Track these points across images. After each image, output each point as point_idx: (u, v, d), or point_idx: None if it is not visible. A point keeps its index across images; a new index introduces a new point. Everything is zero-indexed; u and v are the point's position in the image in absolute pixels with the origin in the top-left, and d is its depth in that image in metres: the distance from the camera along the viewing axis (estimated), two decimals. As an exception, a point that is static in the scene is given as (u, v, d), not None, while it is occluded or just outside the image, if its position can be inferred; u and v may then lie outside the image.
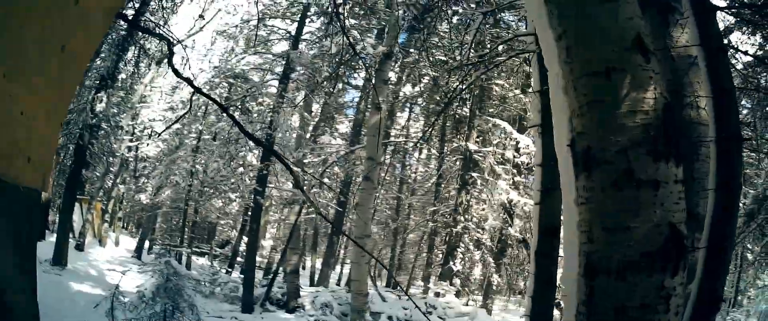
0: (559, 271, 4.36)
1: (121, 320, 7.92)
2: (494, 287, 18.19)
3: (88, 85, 15.17)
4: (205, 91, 18.84)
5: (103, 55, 14.85)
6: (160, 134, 20.42)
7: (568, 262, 1.96)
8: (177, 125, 19.75)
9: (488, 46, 13.14)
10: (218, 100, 16.77)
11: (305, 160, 15.48)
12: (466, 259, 17.19)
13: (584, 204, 1.86)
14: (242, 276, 15.19)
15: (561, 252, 3.64)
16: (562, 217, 3.87)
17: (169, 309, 8.05)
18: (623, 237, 1.76)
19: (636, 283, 1.73)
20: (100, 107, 14.39)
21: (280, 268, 15.45)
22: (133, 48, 15.54)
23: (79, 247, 16.66)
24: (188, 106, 10.27)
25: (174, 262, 8.60)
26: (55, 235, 14.43)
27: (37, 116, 2.14)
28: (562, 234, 3.83)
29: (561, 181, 2.03)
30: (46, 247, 14.13)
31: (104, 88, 14.60)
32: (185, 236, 20.16)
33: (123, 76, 16.38)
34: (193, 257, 20.83)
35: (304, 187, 14.33)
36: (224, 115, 17.69)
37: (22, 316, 2.05)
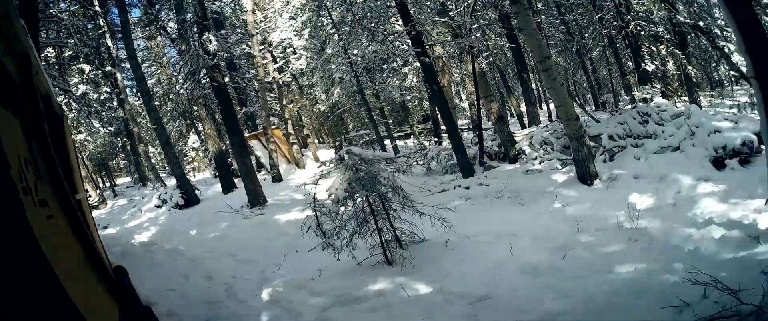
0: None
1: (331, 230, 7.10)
2: (694, 80, 17.21)
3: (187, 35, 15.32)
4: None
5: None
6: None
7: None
8: (308, 28, 19.93)
9: None
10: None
11: (449, 12, 14.05)
12: (655, 56, 16.45)
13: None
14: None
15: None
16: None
17: (374, 200, 7.12)
18: None
19: None
20: (212, 47, 14.15)
21: (485, 120, 14.38)
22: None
23: (276, 179, 16.64)
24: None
25: (356, 150, 7.40)
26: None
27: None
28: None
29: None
30: (238, 195, 14.75)
31: (204, 29, 14.51)
32: (377, 124, 19.92)
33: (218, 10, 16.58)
34: (400, 142, 21.07)
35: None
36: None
37: None
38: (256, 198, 13.47)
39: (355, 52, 18.56)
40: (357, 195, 7.12)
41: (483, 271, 6.37)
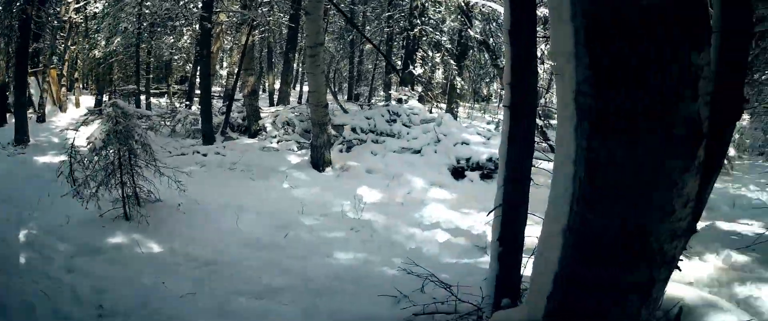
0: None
1: (81, 179, 7.30)
2: (458, 91, 18.17)
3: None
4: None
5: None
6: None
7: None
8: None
9: None
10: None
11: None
12: (427, 62, 17.01)
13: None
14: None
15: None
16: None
17: (124, 154, 7.47)
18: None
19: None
20: (35, -21, 14.08)
21: (238, 93, 15.00)
22: None
23: (41, 119, 16.76)
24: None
25: (121, 103, 7.75)
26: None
27: None
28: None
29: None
30: (8, 130, 14.37)
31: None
32: (141, 79, 20.22)
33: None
34: (154, 99, 20.91)
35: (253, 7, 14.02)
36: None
37: None
38: (22, 136, 13.63)
39: (149, 3, 18.71)
40: (111, 147, 7.27)
41: (210, 239, 6.71)
